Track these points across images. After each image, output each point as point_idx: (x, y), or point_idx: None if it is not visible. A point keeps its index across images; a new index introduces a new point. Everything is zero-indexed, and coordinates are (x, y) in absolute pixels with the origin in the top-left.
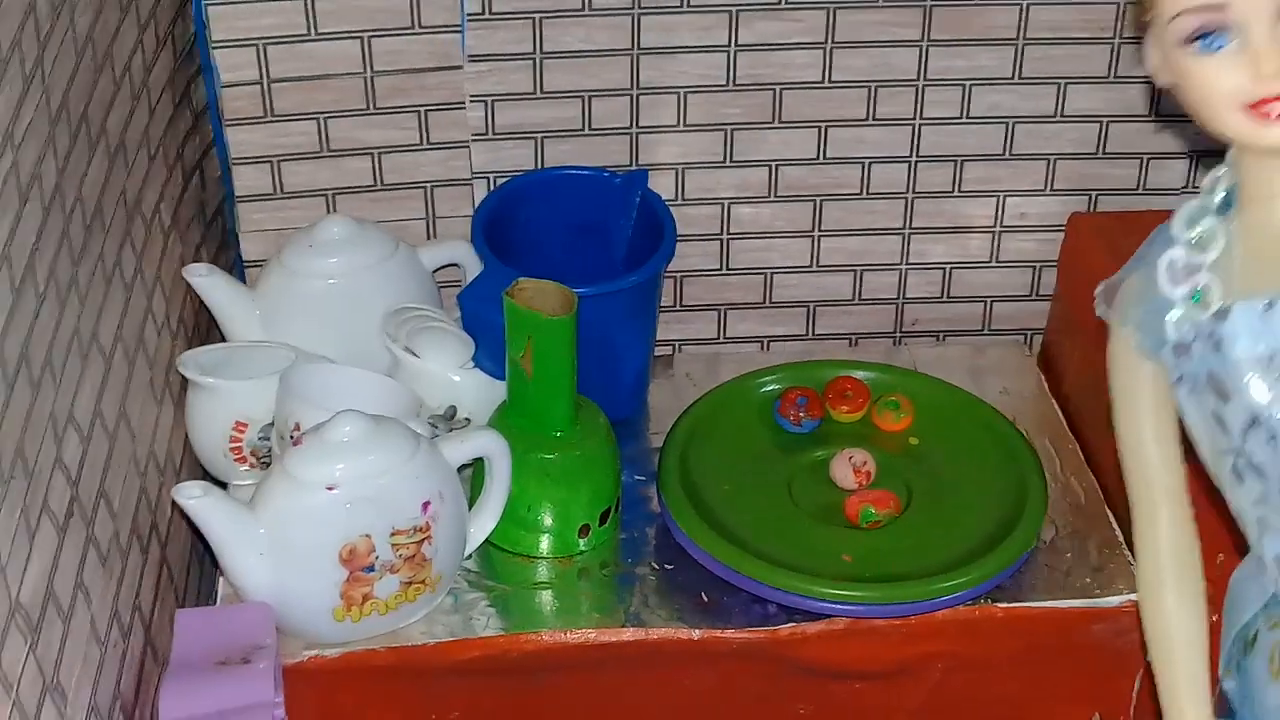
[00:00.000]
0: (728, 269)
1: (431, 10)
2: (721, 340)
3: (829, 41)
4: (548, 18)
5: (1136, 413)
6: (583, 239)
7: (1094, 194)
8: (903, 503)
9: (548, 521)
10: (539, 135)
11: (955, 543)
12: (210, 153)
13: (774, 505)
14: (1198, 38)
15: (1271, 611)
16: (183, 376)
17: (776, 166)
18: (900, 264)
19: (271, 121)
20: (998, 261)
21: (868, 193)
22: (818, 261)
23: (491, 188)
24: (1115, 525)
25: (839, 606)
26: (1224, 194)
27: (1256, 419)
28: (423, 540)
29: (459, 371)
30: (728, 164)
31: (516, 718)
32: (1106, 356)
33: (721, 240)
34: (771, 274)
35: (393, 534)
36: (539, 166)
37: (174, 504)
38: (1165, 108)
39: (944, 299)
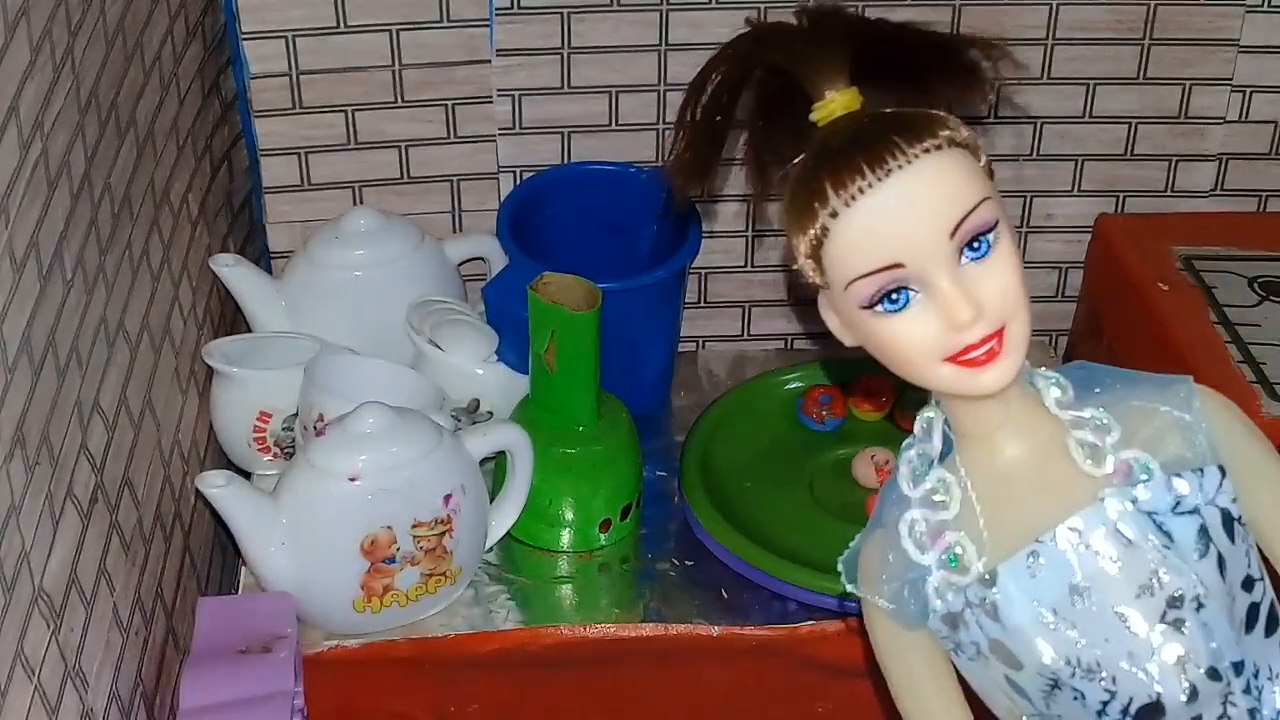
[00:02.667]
0: (752, 266)
1: (460, 4)
2: (745, 337)
3: None
4: (576, 12)
5: (916, 686)
6: (608, 234)
7: (1122, 195)
8: None
9: (569, 516)
10: (566, 130)
11: None
12: (238, 144)
13: (795, 503)
14: (880, 299)
15: None
16: (208, 366)
17: None
18: None
19: (300, 113)
20: (1024, 262)
21: None
22: None
23: (518, 182)
24: None
25: (858, 605)
26: (941, 437)
27: (1056, 682)
28: (444, 532)
29: (482, 365)
30: None
31: (535, 711)
32: (868, 633)
33: (746, 237)
34: (796, 271)
35: (414, 526)
36: (565, 161)
37: (197, 493)
38: (1193, 111)
39: None
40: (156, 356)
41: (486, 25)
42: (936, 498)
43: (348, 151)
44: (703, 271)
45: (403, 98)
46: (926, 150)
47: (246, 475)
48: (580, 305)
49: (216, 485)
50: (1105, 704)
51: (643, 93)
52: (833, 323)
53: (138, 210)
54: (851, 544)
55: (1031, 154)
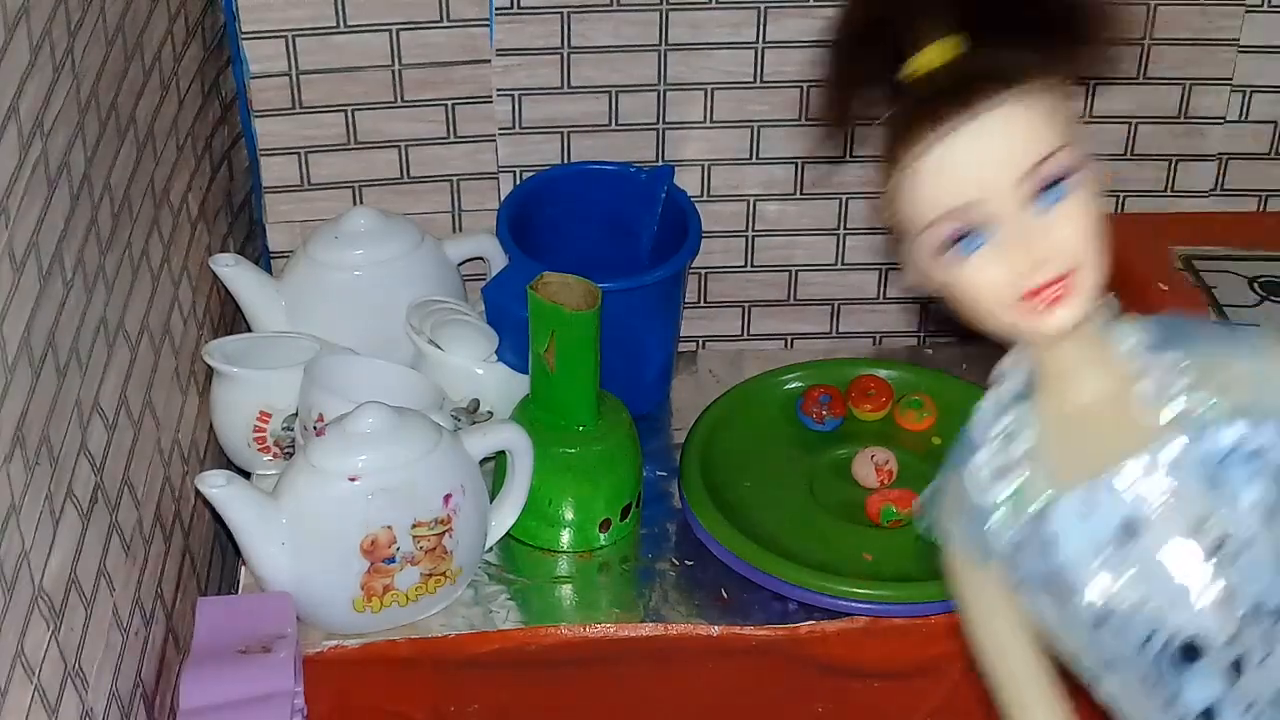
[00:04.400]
0: (752, 266)
1: (460, 4)
2: (745, 337)
3: None
4: (576, 12)
5: (991, 621)
6: (608, 234)
7: (1122, 195)
8: None
9: (569, 516)
10: (566, 130)
11: None
12: (238, 143)
13: (795, 503)
14: (953, 243)
15: None
16: (208, 366)
17: (802, 164)
18: None
19: (300, 113)
20: None
21: None
22: (842, 260)
23: (518, 182)
24: None
25: (859, 605)
26: (1022, 380)
27: (1102, 618)
28: (444, 532)
29: (482, 365)
30: (754, 161)
31: (535, 711)
32: (947, 566)
33: (746, 237)
34: (796, 272)
35: (414, 526)
36: (565, 161)
37: (197, 493)
38: (1193, 111)
39: None
40: (156, 356)
41: (486, 25)
42: (1010, 434)
43: (348, 151)
44: (703, 271)
45: (403, 98)
46: (1008, 96)
47: (246, 475)
48: (580, 305)
49: (216, 485)
50: (1146, 640)
51: (643, 93)
52: (914, 272)
53: (138, 210)
54: (926, 490)
55: None
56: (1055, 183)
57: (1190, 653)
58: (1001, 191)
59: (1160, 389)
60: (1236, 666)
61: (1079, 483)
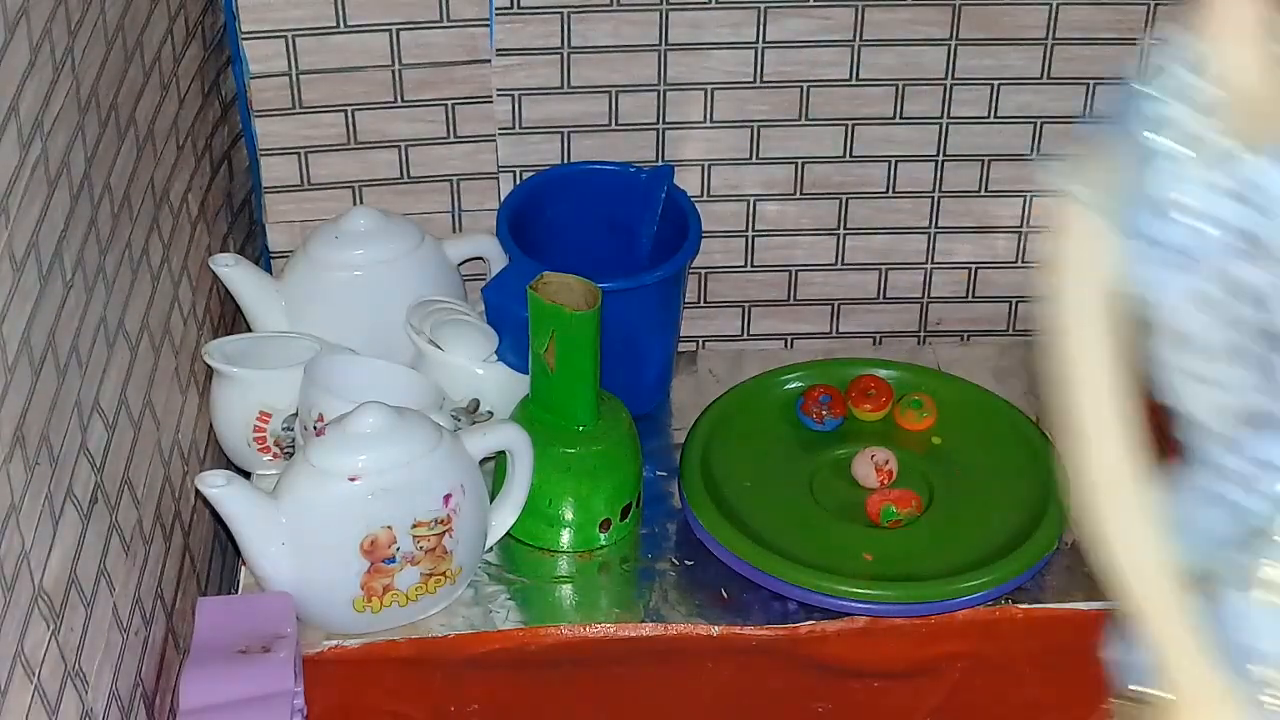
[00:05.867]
0: (752, 266)
1: (460, 4)
2: (745, 337)
3: (857, 39)
4: (576, 13)
5: (1096, 322)
6: (608, 234)
7: None
8: (924, 502)
9: (569, 516)
10: (565, 130)
11: (976, 543)
12: (238, 143)
13: (795, 503)
14: None
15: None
16: (208, 366)
17: (802, 164)
18: (925, 263)
19: (300, 113)
20: (1024, 262)
21: (894, 191)
22: (843, 260)
23: (517, 182)
24: None
25: (859, 605)
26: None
27: None
28: (444, 532)
29: (482, 365)
30: (753, 161)
31: (535, 711)
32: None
33: (746, 237)
34: (796, 271)
35: (414, 526)
36: (565, 161)
37: (197, 493)
38: None
39: (969, 299)
40: (156, 356)
41: (486, 25)
42: (1192, 91)
43: (348, 151)
44: (703, 271)
45: (403, 98)
46: None
47: (246, 475)
48: (580, 305)
49: (216, 485)
50: None
51: (643, 93)
52: None
53: (138, 210)
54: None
55: (1031, 154)
56: None
57: None
58: None
59: None
60: None
61: None
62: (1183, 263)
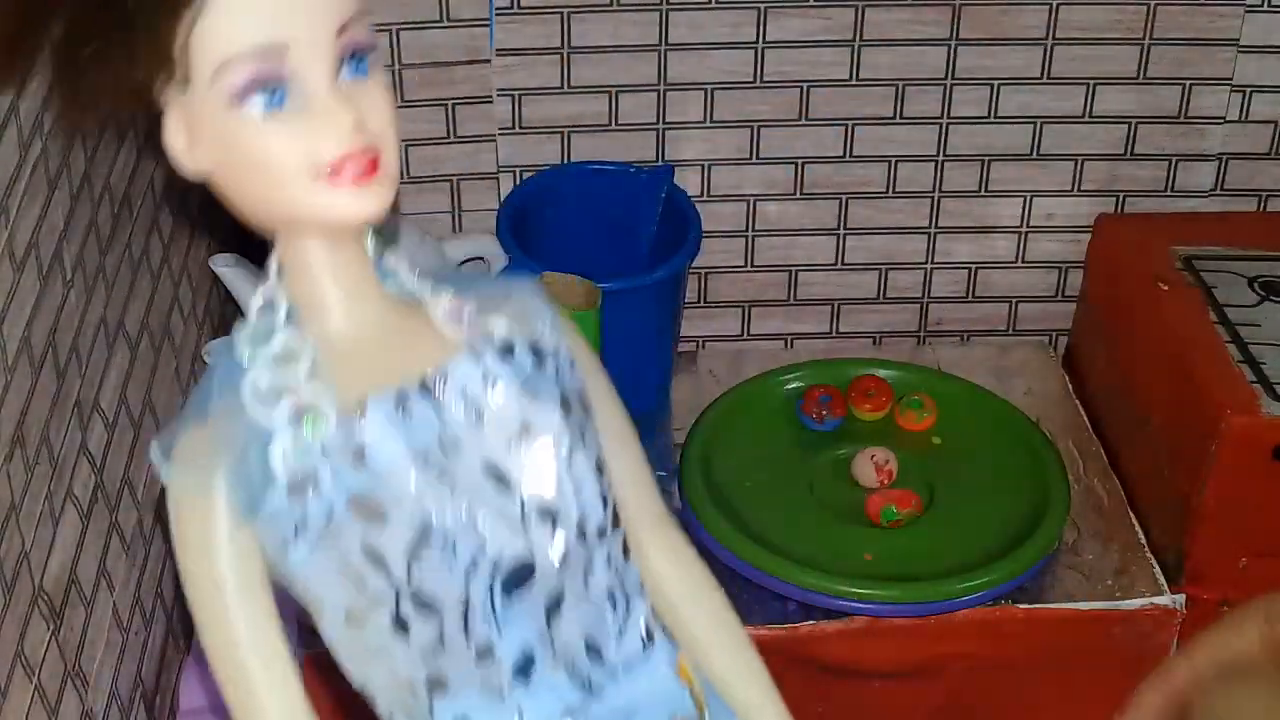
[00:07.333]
0: (752, 266)
1: (460, 4)
2: (745, 337)
3: (857, 39)
4: (575, 13)
5: (248, 602)
6: (608, 234)
7: (1121, 195)
8: (924, 502)
9: None
10: (566, 130)
11: (976, 543)
12: None
13: (795, 502)
14: (253, 92)
15: None
16: (208, 366)
17: (802, 164)
18: (925, 263)
19: None
20: (1024, 262)
21: (894, 191)
22: (843, 260)
23: (518, 182)
24: (1138, 528)
25: (859, 605)
26: (285, 309)
27: (426, 531)
28: None
29: None
30: (753, 161)
31: None
32: (182, 537)
33: (746, 237)
34: (796, 271)
35: None
36: (565, 161)
37: None
38: (1193, 111)
39: (969, 299)
40: (156, 356)
41: (486, 25)
42: (286, 355)
43: None
44: (703, 271)
45: (403, 97)
46: None
47: None
48: (580, 305)
49: None
50: (472, 564)
51: (643, 93)
52: (179, 143)
53: (137, 211)
54: (162, 435)
55: (1031, 154)
56: (362, 53)
57: (521, 575)
58: (315, 41)
59: (454, 311)
60: (557, 604)
61: (385, 391)
62: (314, 539)
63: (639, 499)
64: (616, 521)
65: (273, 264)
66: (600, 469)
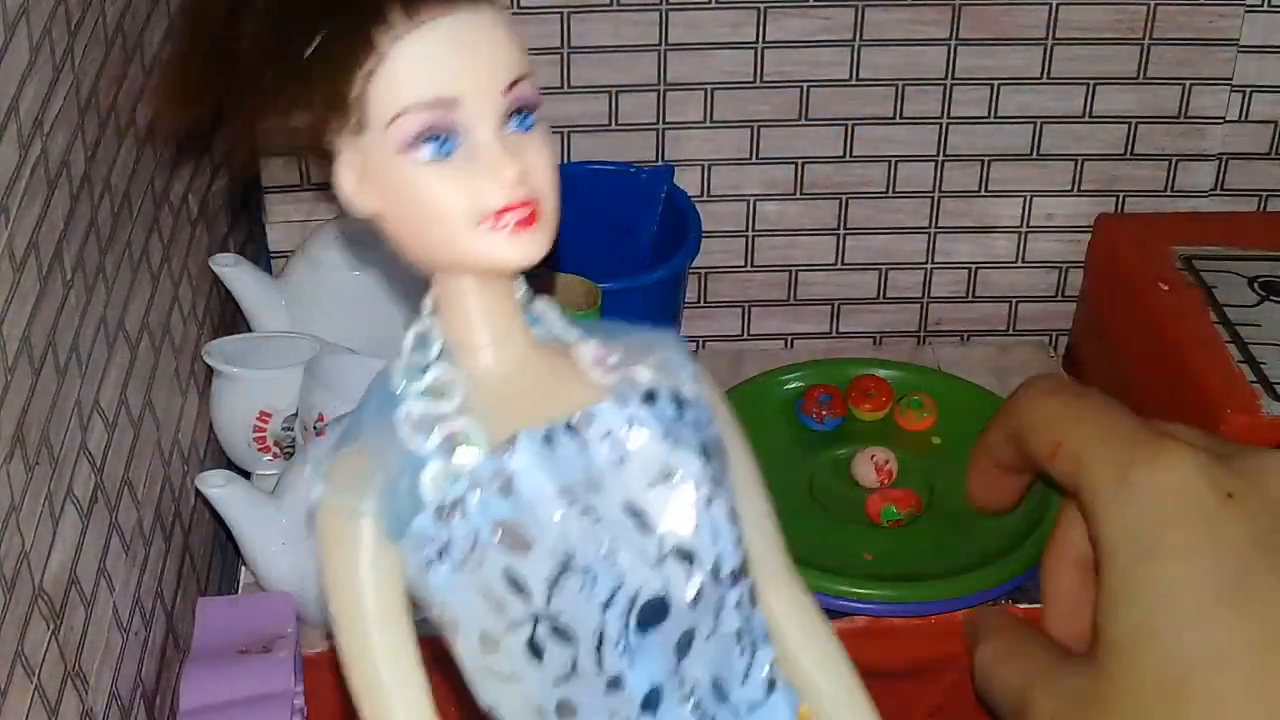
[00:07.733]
0: (752, 266)
1: None
2: (745, 337)
3: (857, 39)
4: (576, 13)
5: (388, 625)
6: (607, 234)
7: (1122, 195)
8: (924, 502)
9: None
10: (565, 130)
11: (976, 543)
12: None
13: (795, 502)
14: (424, 140)
15: None
16: (208, 366)
17: (802, 164)
18: (925, 263)
19: None
20: (1024, 262)
21: (893, 191)
22: (843, 260)
23: None
24: None
25: (859, 605)
26: (439, 346)
27: (568, 562)
28: None
29: None
30: (753, 161)
31: None
32: (327, 552)
33: (746, 237)
34: (796, 272)
35: None
36: (565, 161)
37: (197, 493)
38: (1193, 111)
39: (969, 299)
40: (157, 356)
41: None
42: (437, 389)
43: None
44: (703, 271)
45: None
46: (492, 2)
47: (246, 475)
48: (579, 305)
49: (216, 485)
50: (610, 597)
51: (643, 93)
52: (349, 184)
53: (137, 210)
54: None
55: (1031, 154)
56: (528, 109)
57: (656, 611)
58: (484, 96)
59: (600, 358)
60: (688, 641)
61: (535, 425)
62: (457, 562)
63: (766, 551)
64: (746, 569)
65: (427, 303)
66: (734, 517)
